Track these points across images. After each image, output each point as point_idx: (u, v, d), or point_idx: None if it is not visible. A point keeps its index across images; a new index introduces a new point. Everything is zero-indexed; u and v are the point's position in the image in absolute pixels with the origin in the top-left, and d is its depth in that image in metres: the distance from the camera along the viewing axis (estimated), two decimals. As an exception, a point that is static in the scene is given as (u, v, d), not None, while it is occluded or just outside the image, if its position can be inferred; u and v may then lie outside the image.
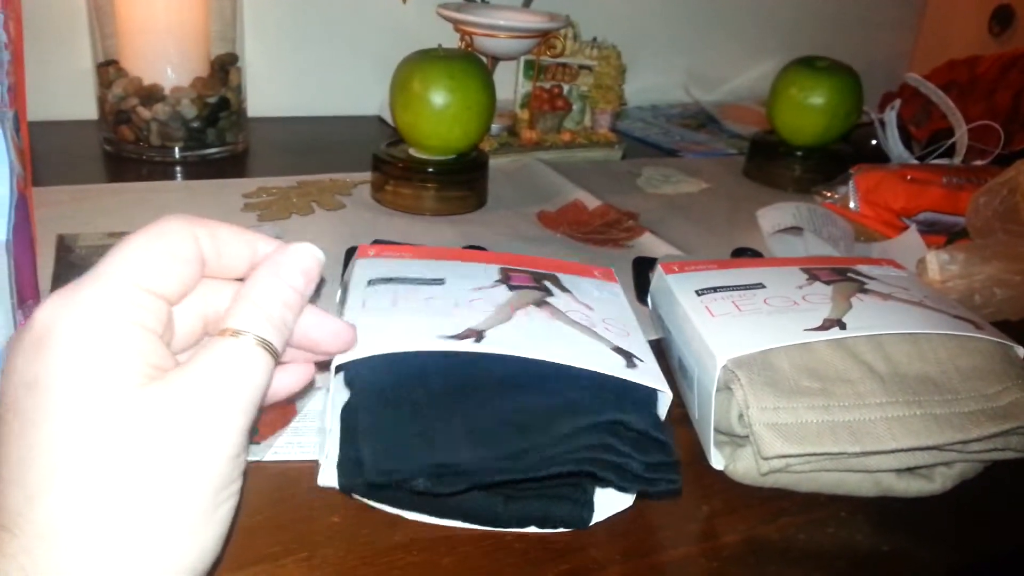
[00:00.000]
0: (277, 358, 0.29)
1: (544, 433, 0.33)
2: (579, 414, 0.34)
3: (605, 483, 0.36)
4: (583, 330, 0.40)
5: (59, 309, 0.27)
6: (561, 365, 0.36)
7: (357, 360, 0.35)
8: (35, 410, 0.25)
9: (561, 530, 0.38)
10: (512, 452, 0.33)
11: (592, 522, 0.38)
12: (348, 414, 0.35)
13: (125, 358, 0.26)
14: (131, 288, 0.28)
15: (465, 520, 0.37)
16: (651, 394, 0.37)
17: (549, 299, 0.42)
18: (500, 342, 0.37)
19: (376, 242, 0.53)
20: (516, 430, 0.33)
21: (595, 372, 0.36)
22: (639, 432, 0.35)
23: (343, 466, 0.34)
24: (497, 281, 0.44)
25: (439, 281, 0.43)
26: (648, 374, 0.38)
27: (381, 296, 0.40)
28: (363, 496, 0.37)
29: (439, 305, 0.40)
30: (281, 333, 0.30)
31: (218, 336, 0.28)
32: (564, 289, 0.44)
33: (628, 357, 0.38)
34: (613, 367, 0.37)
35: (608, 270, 0.50)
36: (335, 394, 0.36)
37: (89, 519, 0.24)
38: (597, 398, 0.35)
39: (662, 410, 0.38)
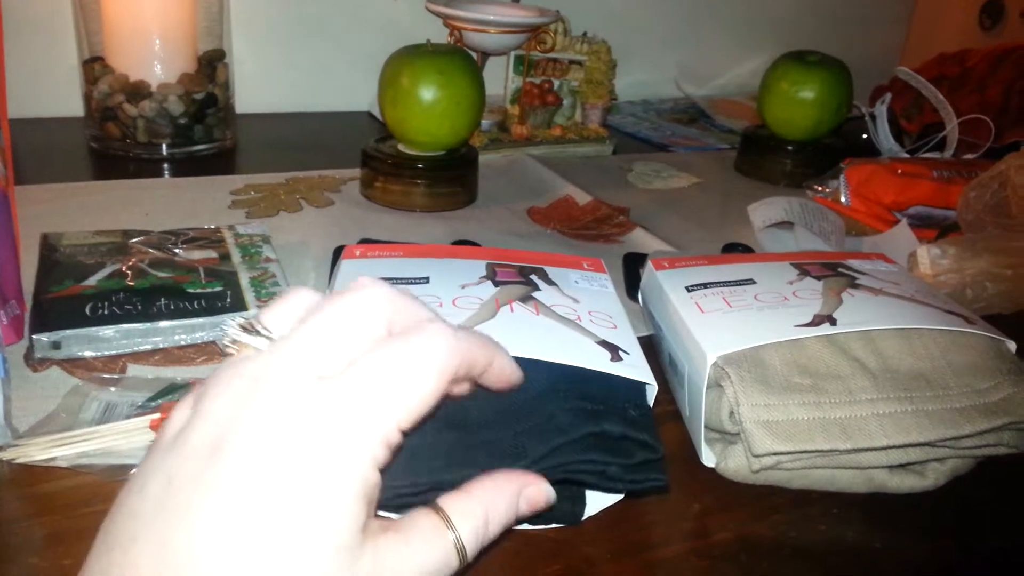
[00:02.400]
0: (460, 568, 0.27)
1: (517, 459, 0.33)
2: (555, 433, 0.33)
3: (589, 487, 0.36)
4: (568, 324, 0.39)
5: (298, 443, 0.24)
6: (545, 363, 0.35)
7: None
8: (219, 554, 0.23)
9: (553, 526, 0.37)
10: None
11: (584, 516, 0.37)
12: None
13: (350, 523, 0.24)
14: (392, 431, 0.26)
15: None
16: (637, 387, 0.37)
17: (535, 294, 0.42)
18: None
19: (363, 241, 0.53)
20: (487, 455, 0.32)
21: (580, 368, 0.36)
22: (618, 437, 0.34)
23: None
24: (483, 277, 0.44)
25: (424, 280, 0.43)
26: (633, 367, 0.37)
27: None
28: None
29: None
30: (477, 547, 0.28)
31: (435, 514, 0.27)
32: (551, 282, 0.44)
33: (614, 350, 0.38)
34: (598, 361, 0.36)
35: (597, 261, 0.49)
36: None
37: None
38: (573, 411, 0.34)
39: (650, 401, 0.38)
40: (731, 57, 1.32)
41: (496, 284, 0.43)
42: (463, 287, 0.42)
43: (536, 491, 0.30)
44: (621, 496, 0.38)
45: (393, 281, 0.42)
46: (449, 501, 0.28)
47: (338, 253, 0.51)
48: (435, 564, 0.26)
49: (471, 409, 0.34)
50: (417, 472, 0.32)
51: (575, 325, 0.40)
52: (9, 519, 0.35)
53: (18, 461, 0.37)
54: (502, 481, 0.29)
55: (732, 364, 0.40)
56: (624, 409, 0.35)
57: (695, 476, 0.42)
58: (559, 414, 0.34)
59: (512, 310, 0.40)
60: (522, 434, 0.33)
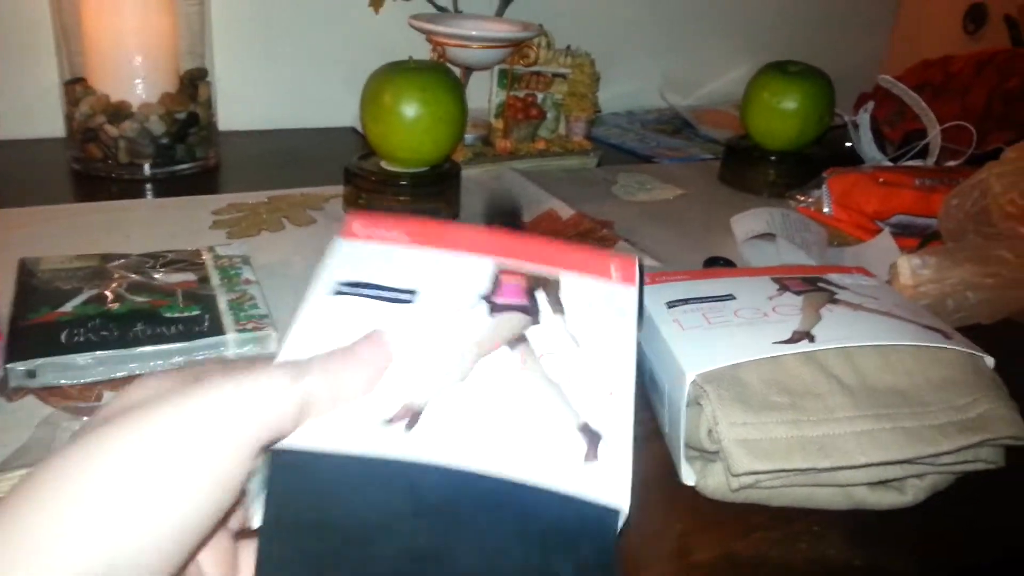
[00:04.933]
0: (307, 415, 0.27)
1: None
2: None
3: None
4: (549, 391, 0.34)
5: None
6: (490, 481, 0.30)
7: (288, 452, 0.29)
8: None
9: None
10: None
11: None
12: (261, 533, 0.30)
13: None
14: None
15: None
16: (603, 517, 0.31)
17: (530, 332, 0.36)
18: (435, 432, 0.31)
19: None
20: None
21: (534, 491, 0.30)
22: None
23: None
24: (481, 298, 0.38)
25: (410, 295, 0.37)
26: (605, 477, 0.31)
27: (336, 319, 0.35)
28: None
29: (396, 350, 0.34)
30: (326, 405, 0.28)
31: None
32: (558, 307, 0.38)
33: (592, 442, 0.32)
34: (566, 462, 0.31)
35: (630, 264, 0.40)
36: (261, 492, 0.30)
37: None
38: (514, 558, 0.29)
39: (618, 525, 0.31)
40: (715, 66, 1.32)
41: (492, 311, 0.37)
42: (449, 317, 0.37)
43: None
44: None
45: (377, 291, 0.37)
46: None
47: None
48: (257, 405, 0.25)
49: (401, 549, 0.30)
50: None
51: (557, 392, 0.34)
52: (-18, 553, 0.35)
53: (-9, 495, 0.37)
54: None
55: (711, 382, 0.40)
56: (576, 560, 0.30)
57: (675, 494, 0.42)
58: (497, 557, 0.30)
59: (492, 365, 0.34)
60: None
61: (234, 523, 0.29)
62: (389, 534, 0.30)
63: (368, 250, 0.40)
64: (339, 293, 0.37)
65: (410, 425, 0.31)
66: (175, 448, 0.23)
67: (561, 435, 0.32)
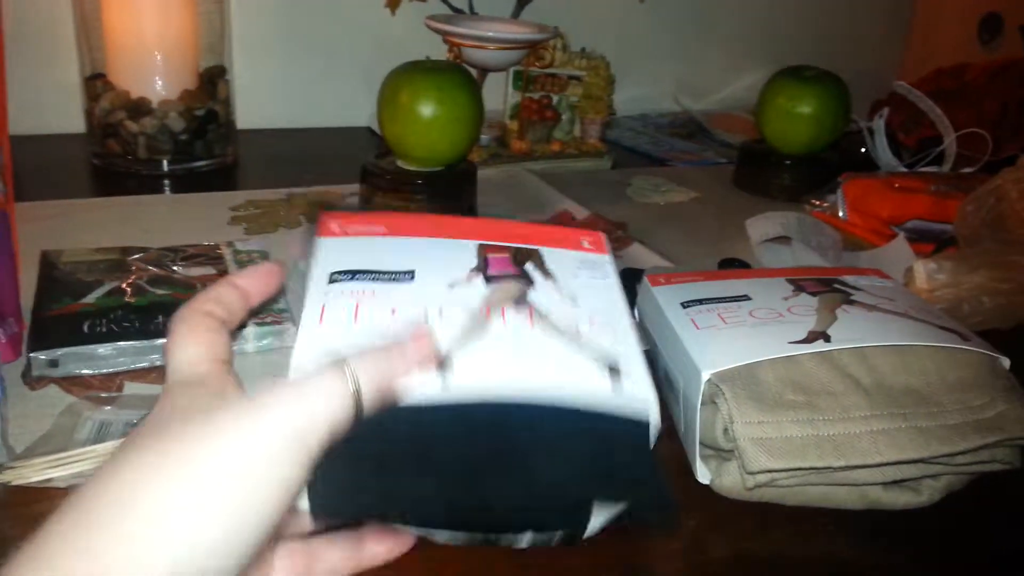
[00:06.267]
0: (356, 418, 0.29)
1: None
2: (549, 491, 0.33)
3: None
4: (565, 338, 0.37)
5: None
6: (537, 407, 0.33)
7: None
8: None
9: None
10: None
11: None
12: None
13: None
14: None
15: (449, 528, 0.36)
16: (637, 426, 0.34)
17: (530, 294, 0.39)
18: (470, 375, 0.34)
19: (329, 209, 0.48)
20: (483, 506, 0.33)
21: (573, 412, 0.34)
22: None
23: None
24: (473, 270, 0.40)
25: (408, 275, 0.40)
26: (632, 396, 0.35)
27: (341, 304, 0.37)
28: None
29: (406, 317, 0.37)
30: (375, 399, 0.29)
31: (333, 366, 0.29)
32: (547, 274, 0.41)
33: (614, 369, 0.36)
34: (596, 386, 0.34)
35: (598, 236, 0.45)
36: None
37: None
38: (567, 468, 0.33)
39: (652, 433, 0.35)
40: (729, 71, 1.32)
41: (488, 279, 0.40)
42: (451, 286, 0.39)
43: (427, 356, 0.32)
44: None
45: (375, 276, 0.39)
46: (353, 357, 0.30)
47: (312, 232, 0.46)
48: (322, 409, 0.27)
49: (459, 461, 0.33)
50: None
51: (573, 337, 0.37)
52: (5, 539, 0.35)
53: (15, 483, 0.37)
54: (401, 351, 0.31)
55: (726, 381, 0.40)
56: (615, 468, 0.34)
57: (690, 492, 0.42)
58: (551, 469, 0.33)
59: (505, 320, 0.37)
60: (512, 496, 0.33)
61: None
62: (440, 452, 0.32)
63: (352, 244, 0.42)
64: (335, 282, 0.39)
65: (442, 370, 0.33)
66: (250, 459, 0.25)
67: (584, 367, 0.35)
